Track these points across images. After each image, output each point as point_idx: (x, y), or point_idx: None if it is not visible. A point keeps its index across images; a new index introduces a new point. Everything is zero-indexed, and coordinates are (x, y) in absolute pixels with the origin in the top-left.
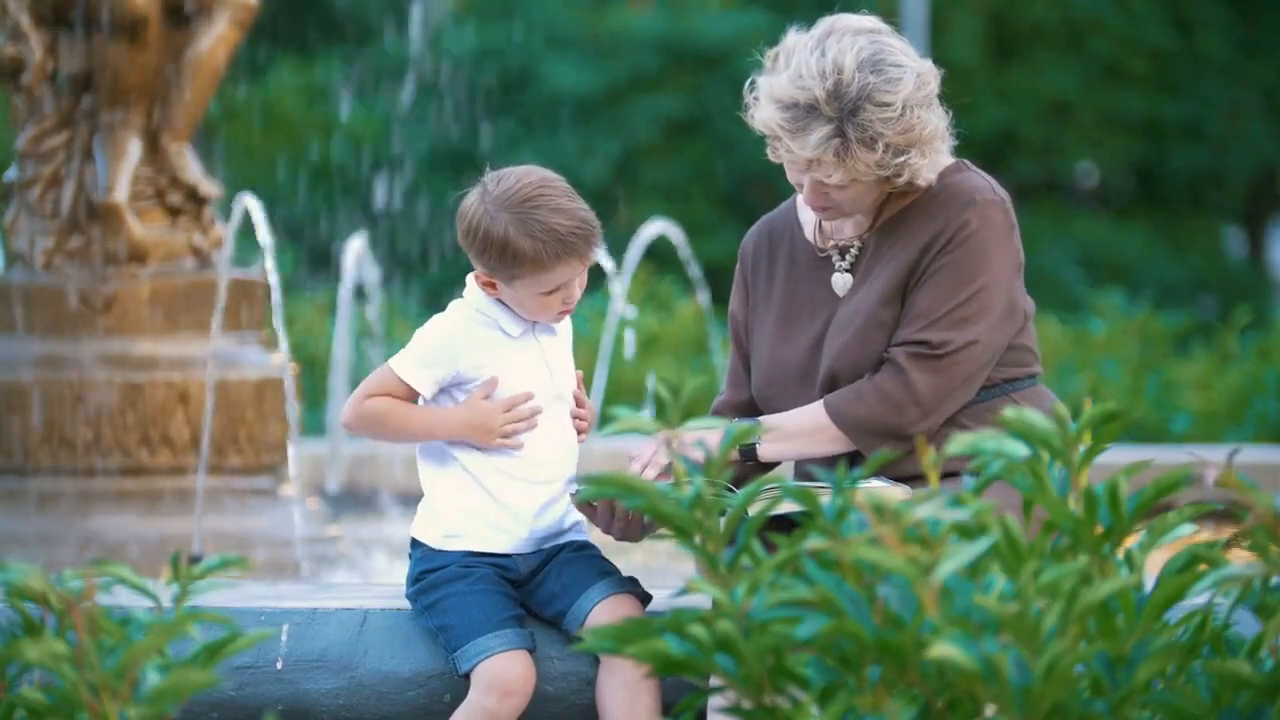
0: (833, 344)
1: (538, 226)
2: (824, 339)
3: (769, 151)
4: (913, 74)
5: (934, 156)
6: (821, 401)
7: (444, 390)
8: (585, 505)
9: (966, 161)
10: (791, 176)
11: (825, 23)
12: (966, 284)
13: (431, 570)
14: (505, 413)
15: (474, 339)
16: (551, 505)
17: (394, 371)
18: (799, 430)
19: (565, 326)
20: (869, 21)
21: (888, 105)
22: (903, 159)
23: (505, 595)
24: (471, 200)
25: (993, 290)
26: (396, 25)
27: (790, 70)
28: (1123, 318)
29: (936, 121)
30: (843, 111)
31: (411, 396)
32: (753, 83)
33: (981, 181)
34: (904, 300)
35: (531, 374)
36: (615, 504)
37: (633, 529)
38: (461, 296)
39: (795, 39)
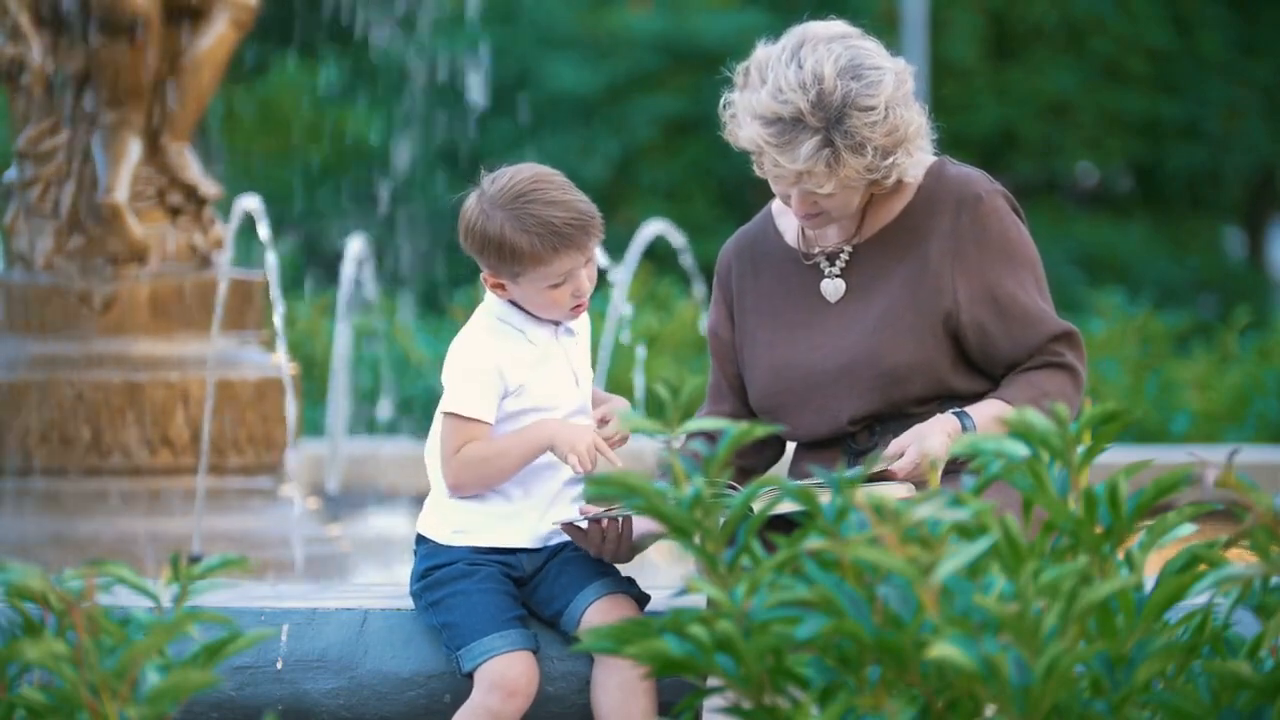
0: (864, 345)
1: (532, 221)
2: (823, 343)
3: (755, 167)
4: (891, 74)
5: (918, 154)
6: (1007, 402)
7: None
8: (574, 529)
9: (949, 158)
10: (779, 190)
11: (795, 33)
12: (1031, 267)
13: (437, 566)
14: (594, 446)
15: (504, 349)
16: (558, 502)
17: (460, 415)
18: (995, 423)
19: (585, 326)
20: (838, 27)
21: (871, 109)
22: (891, 160)
23: (510, 595)
24: (469, 202)
25: (1042, 268)
26: (396, 25)
27: (769, 85)
28: (1123, 318)
29: (917, 119)
30: (828, 121)
31: (483, 432)
32: (727, 101)
33: (975, 173)
34: (939, 303)
35: (560, 386)
36: (604, 524)
37: (622, 549)
38: (480, 305)
39: (765, 52)
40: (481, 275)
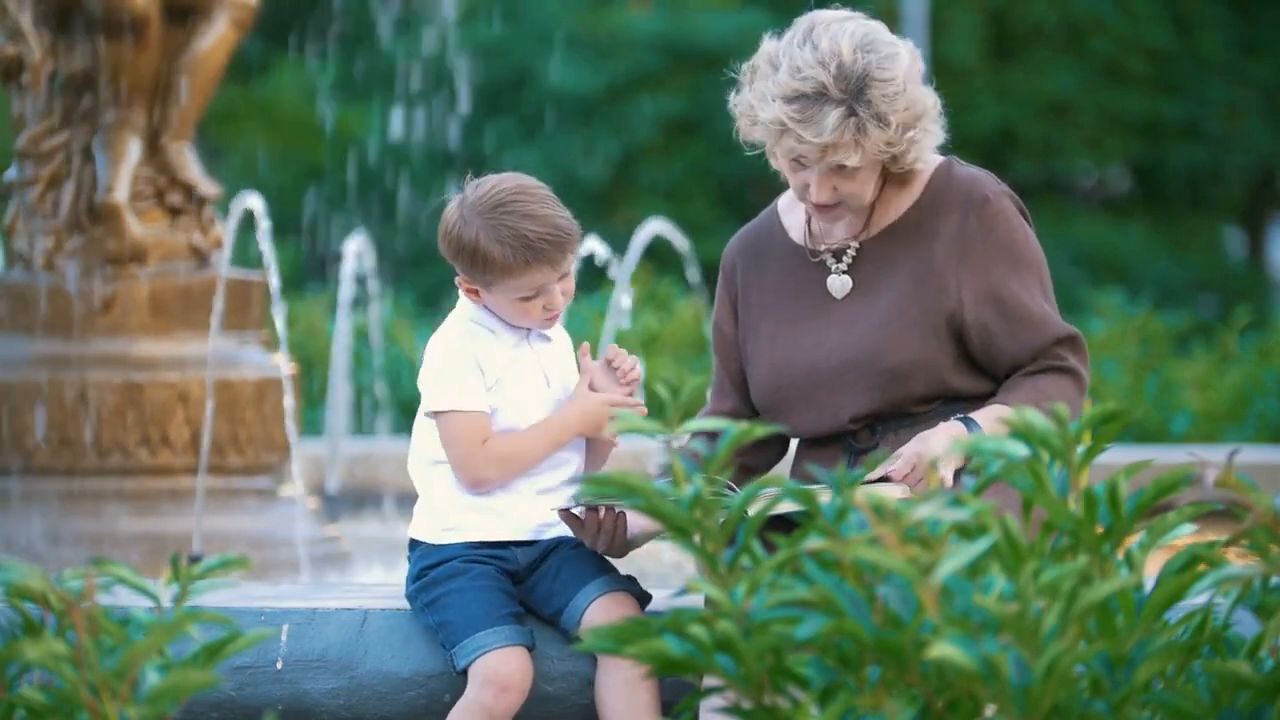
0: (868, 342)
1: (507, 232)
2: (826, 339)
3: (769, 158)
4: (905, 51)
5: (930, 136)
6: (1008, 406)
7: None
8: (570, 516)
9: (956, 158)
10: (797, 179)
11: (803, 21)
12: (1036, 270)
13: (432, 566)
14: (609, 407)
15: (478, 345)
16: (547, 494)
17: (458, 411)
18: (1001, 428)
19: (562, 336)
20: (844, 12)
21: (890, 81)
22: (910, 134)
23: (505, 593)
24: (450, 206)
25: (1047, 271)
26: (395, 25)
27: (784, 68)
28: (1123, 318)
29: (930, 97)
30: (850, 92)
31: (487, 422)
32: (737, 101)
33: (983, 174)
34: (944, 303)
35: (530, 383)
36: (599, 517)
37: (616, 542)
38: (454, 312)
39: (773, 45)
40: (456, 279)
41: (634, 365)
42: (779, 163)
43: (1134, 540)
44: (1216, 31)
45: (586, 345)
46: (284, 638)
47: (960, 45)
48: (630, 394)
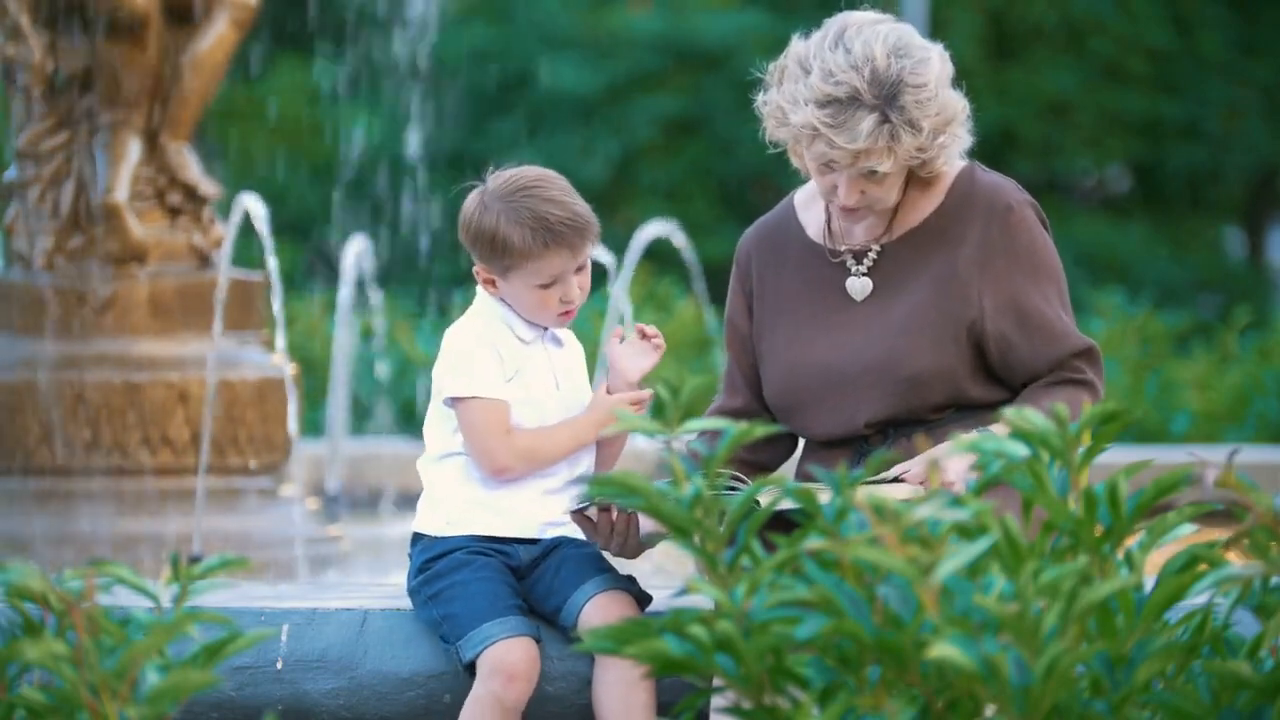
0: (887, 347)
1: (527, 214)
2: (845, 342)
3: (791, 158)
4: (936, 55)
5: (959, 141)
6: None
7: None
8: (583, 518)
9: (978, 164)
10: (824, 180)
11: (835, 22)
12: (1056, 281)
13: (435, 559)
14: (630, 405)
15: (496, 337)
16: (553, 495)
17: (478, 397)
18: None
19: (574, 344)
20: (874, 15)
21: (923, 87)
22: (940, 140)
23: (508, 585)
24: (470, 196)
25: (1065, 282)
26: (396, 25)
27: (815, 72)
28: (1123, 318)
29: (959, 101)
30: (883, 98)
31: (508, 410)
32: (764, 100)
33: (1006, 182)
34: (965, 312)
35: (540, 382)
36: (613, 519)
37: (630, 544)
38: (472, 306)
39: (804, 46)
40: (474, 269)
41: (659, 333)
42: (804, 163)
43: (1134, 540)
44: (1216, 31)
45: (620, 330)
46: (284, 638)
47: (960, 45)
48: (655, 361)
